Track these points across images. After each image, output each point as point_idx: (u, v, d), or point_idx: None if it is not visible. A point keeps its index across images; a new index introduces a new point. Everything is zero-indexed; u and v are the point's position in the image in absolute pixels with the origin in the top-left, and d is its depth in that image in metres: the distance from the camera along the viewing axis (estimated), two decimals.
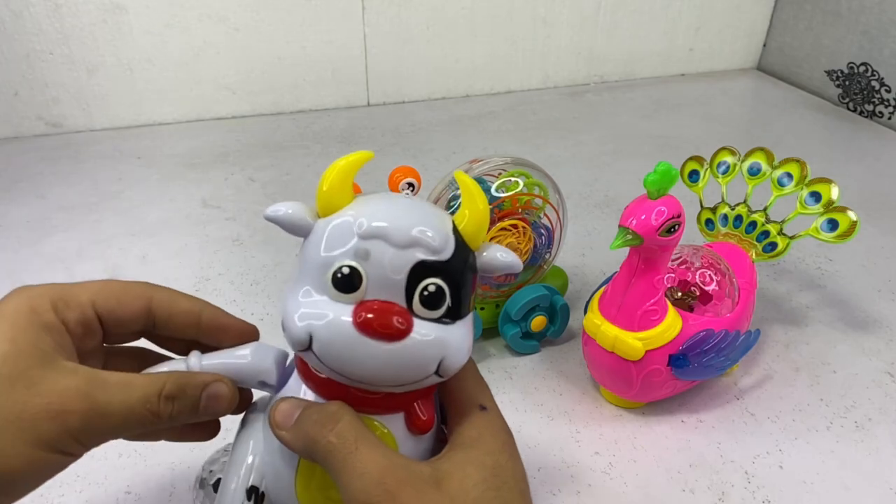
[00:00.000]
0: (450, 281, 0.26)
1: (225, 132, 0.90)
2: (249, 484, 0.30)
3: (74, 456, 0.26)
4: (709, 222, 0.56)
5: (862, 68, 0.97)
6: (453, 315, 0.27)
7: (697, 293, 0.47)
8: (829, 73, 1.03)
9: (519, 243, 0.48)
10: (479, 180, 0.49)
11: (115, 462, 0.43)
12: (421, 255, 0.26)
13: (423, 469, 0.26)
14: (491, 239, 0.47)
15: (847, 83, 1.00)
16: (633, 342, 0.42)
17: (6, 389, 0.25)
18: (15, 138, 0.87)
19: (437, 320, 0.26)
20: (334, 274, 0.26)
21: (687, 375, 0.44)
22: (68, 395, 0.25)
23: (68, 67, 0.85)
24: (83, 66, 0.86)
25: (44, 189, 0.76)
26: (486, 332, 0.52)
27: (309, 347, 0.26)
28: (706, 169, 0.55)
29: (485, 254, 0.28)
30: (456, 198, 0.48)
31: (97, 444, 0.27)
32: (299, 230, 0.28)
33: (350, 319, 0.25)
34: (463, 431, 0.29)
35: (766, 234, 0.52)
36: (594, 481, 0.42)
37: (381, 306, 0.25)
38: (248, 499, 0.30)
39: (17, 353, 0.25)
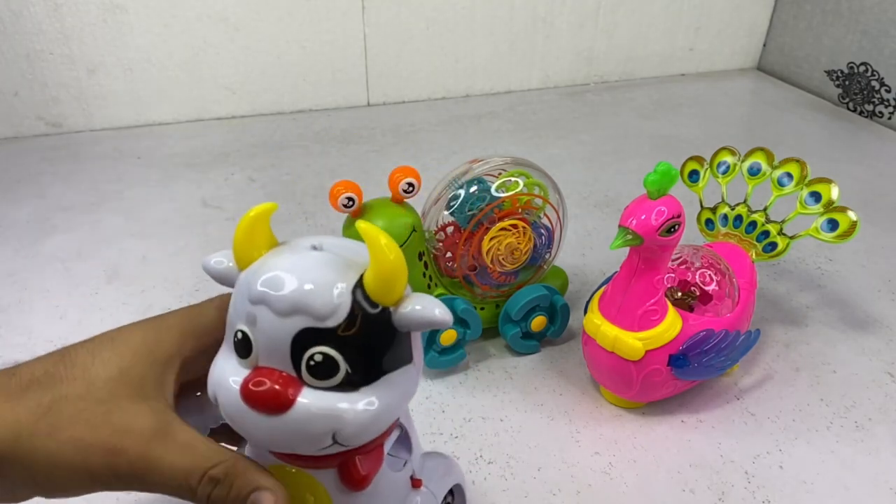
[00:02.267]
0: (343, 348, 0.24)
1: (225, 132, 0.90)
2: None
3: (115, 490, 0.27)
4: (709, 222, 0.56)
5: (862, 68, 0.97)
6: (358, 381, 0.25)
7: (697, 293, 0.47)
8: (829, 73, 1.03)
9: (519, 243, 0.48)
10: (479, 180, 0.49)
11: None
12: (303, 324, 0.24)
13: None
14: (491, 239, 0.47)
15: (847, 83, 1.00)
16: (633, 342, 0.42)
17: (91, 409, 0.26)
18: (15, 138, 0.87)
19: (337, 388, 0.24)
20: (234, 337, 0.26)
21: (687, 375, 0.44)
22: (131, 437, 0.26)
23: (68, 67, 0.85)
24: (83, 66, 0.86)
25: (44, 189, 0.76)
26: (486, 332, 0.52)
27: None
28: (706, 169, 0.55)
29: (405, 309, 0.25)
30: (456, 197, 0.48)
31: (138, 491, 0.26)
32: (228, 282, 0.27)
33: (238, 388, 0.25)
34: None
35: (766, 234, 0.52)
36: (594, 481, 0.42)
37: (265, 377, 0.24)
38: None
39: (119, 381, 0.27)
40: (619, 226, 0.40)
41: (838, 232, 0.50)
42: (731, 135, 0.93)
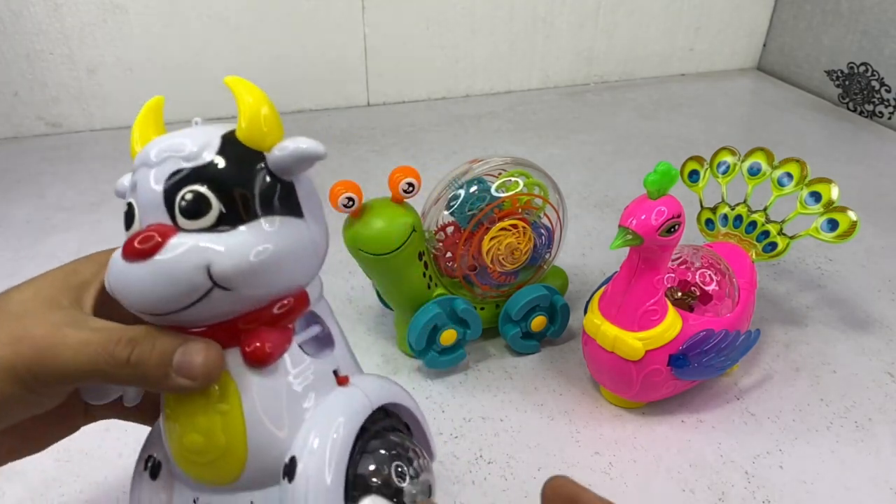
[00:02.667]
0: (214, 184, 0.25)
1: None
2: (147, 454, 0.30)
3: (36, 394, 0.25)
4: (709, 222, 0.56)
5: (862, 68, 0.97)
6: (234, 221, 0.25)
7: (697, 293, 0.47)
8: (829, 73, 1.03)
9: (519, 243, 0.48)
10: (479, 180, 0.49)
11: (115, 462, 0.43)
12: (174, 166, 0.25)
13: None
14: (491, 239, 0.47)
15: (847, 83, 1.00)
16: (633, 342, 0.42)
17: (4, 321, 0.25)
18: (15, 138, 0.87)
19: (213, 229, 0.24)
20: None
21: (687, 375, 0.44)
22: (36, 325, 0.25)
23: (68, 67, 0.85)
24: (83, 66, 0.86)
25: (44, 189, 0.76)
26: (486, 332, 0.52)
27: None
28: (706, 169, 0.55)
29: (277, 151, 0.26)
30: (456, 197, 0.48)
31: (54, 382, 0.25)
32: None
33: (120, 253, 0.25)
34: None
35: (766, 234, 0.52)
36: (594, 481, 0.42)
37: (142, 230, 0.24)
38: (144, 468, 0.29)
39: (33, 298, 0.26)
40: (619, 226, 0.40)
41: (838, 232, 0.50)
42: (731, 135, 0.93)
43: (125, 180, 0.28)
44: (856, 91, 0.99)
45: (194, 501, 0.28)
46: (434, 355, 0.49)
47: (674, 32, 1.10)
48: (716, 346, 0.44)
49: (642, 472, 0.43)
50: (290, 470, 0.26)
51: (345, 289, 0.59)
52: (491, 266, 0.49)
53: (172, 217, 0.25)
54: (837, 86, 1.02)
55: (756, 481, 0.43)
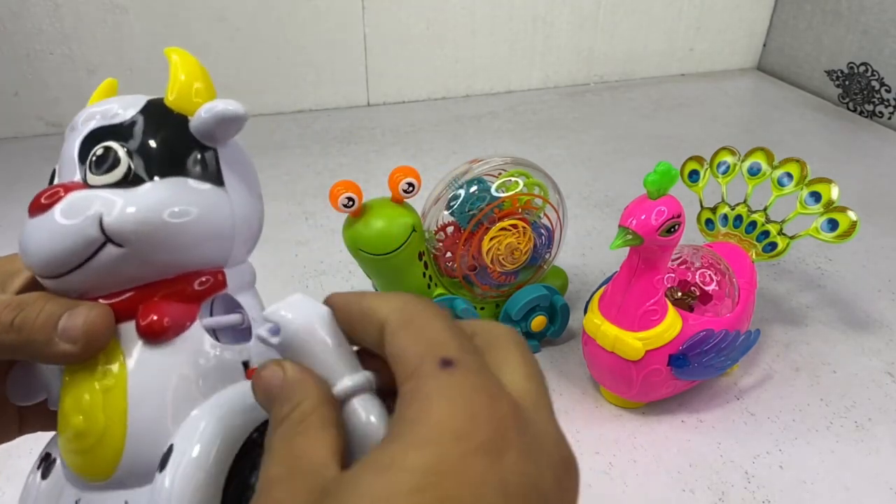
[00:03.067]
0: (124, 139, 0.25)
1: None
2: (46, 451, 0.28)
3: None
4: (709, 222, 0.56)
5: (862, 68, 0.97)
6: (143, 177, 0.24)
7: (697, 293, 0.47)
8: (829, 73, 1.03)
9: (519, 243, 0.48)
10: (479, 180, 0.49)
11: None
12: (94, 125, 0.25)
13: None
14: (491, 239, 0.47)
15: (847, 83, 1.00)
16: (633, 342, 0.42)
17: None
18: (15, 138, 0.87)
19: (118, 185, 0.24)
20: None
21: (687, 375, 0.44)
22: None
23: (68, 67, 0.85)
24: (83, 66, 0.86)
25: None
26: None
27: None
28: (706, 169, 0.55)
29: (203, 113, 0.25)
30: (456, 197, 0.48)
31: None
32: None
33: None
34: (398, 412, 0.18)
35: (766, 234, 0.52)
36: (594, 481, 0.42)
37: (50, 186, 0.24)
38: (38, 467, 0.28)
39: None
40: (619, 226, 0.40)
41: (838, 232, 0.50)
42: (731, 135, 0.93)
43: None
44: (856, 91, 0.99)
45: (76, 503, 0.26)
46: None
47: (674, 32, 1.10)
48: (716, 346, 0.44)
49: (642, 472, 0.43)
50: (165, 459, 0.23)
51: (345, 289, 0.59)
52: (491, 266, 0.49)
53: (85, 176, 0.25)
54: (837, 86, 1.02)
55: (756, 481, 0.43)
